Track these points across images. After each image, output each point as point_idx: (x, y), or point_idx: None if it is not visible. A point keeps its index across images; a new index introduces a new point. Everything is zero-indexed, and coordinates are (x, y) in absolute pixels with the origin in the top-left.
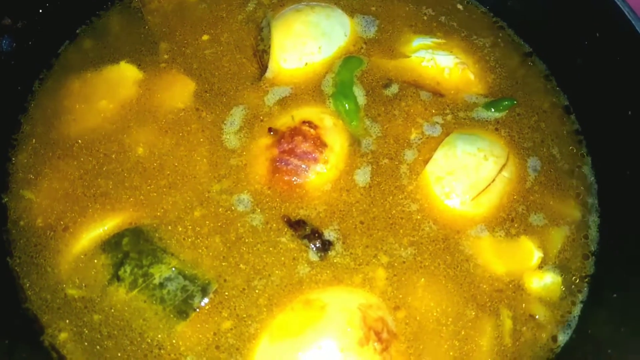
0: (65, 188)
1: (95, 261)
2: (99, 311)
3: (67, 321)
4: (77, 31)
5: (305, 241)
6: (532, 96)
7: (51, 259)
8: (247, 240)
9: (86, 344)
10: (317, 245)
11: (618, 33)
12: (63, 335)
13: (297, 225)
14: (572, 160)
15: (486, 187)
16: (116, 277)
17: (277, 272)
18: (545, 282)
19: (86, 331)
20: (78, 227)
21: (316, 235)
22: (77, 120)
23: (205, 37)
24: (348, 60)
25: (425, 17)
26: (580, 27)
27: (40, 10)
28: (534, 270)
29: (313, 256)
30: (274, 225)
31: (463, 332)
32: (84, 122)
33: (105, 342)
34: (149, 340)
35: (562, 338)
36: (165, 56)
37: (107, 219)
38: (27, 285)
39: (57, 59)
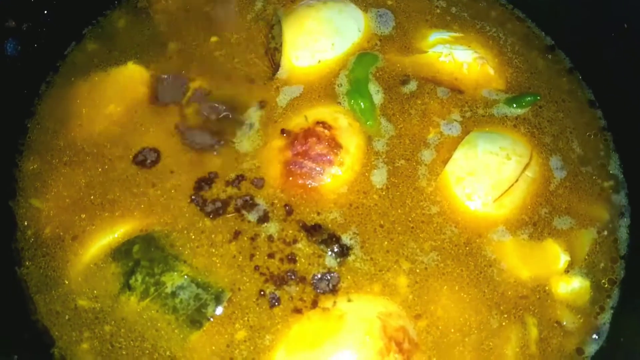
0: (73, 196)
1: (106, 270)
2: (111, 322)
3: (78, 333)
4: (84, 32)
5: (323, 246)
6: (555, 91)
7: (61, 269)
8: (261, 246)
9: (97, 356)
10: (335, 250)
11: None
12: (74, 348)
13: (313, 229)
14: (599, 158)
15: (509, 188)
16: (127, 286)
17: (292, 279)
18: (572, 287)
19: (97, 343)
20: (87, 236)
21: (334, 239)
22: (84, 125)
23: (214, 38)
24: (362, 56)
25: (438, 10)
26: (607, 18)
27: (45, 12)
28: (560, 275)
29: (331, 262)
30: (290, 230)
31: (487, 342)
32: (91, 126)
33: (117, 354)
34: (162, 352)
35: (592, 347)
36: (174, 57)
37: (117, 226)
38: (37, 295)
39: (64, 60)
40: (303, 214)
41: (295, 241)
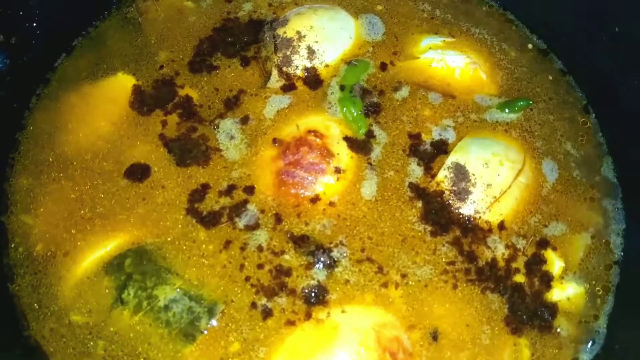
0: (63, 211)
1: (99, 284)
2: (104, 337)
3: (72, 349)
4: (74, 43)
5: (310, 257)
6: (547, 95)
7: (53, 285)
8: (252, 257)
9: None
10: (323, 261)
11: (638, 27)
12: None
13: (301, 241)
14: (592, 162)
15: (502, 194)
16: (120, 300)
17: (283, 291)
18: (567, 294)
19: (91, 359)
20: (79, 252)
21: (322, 251)
22: (73, 138)
23: (204, 46)
24: (354, 63)
25: (425, 14)
26: (599, 22)
27: (34, 24)
28: (555, 281)
29: (319, 273)
30: (278, 241)
31: (482, 352)
32: (81, 139)
33: None
34: None
35: (587, 354)
36: (164, 67)
37: (108, 240)
38: (29, 312)
39: (54, 72)
40: (293, 225)
41: (283, 252)
